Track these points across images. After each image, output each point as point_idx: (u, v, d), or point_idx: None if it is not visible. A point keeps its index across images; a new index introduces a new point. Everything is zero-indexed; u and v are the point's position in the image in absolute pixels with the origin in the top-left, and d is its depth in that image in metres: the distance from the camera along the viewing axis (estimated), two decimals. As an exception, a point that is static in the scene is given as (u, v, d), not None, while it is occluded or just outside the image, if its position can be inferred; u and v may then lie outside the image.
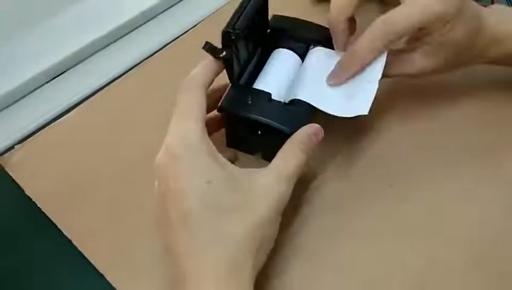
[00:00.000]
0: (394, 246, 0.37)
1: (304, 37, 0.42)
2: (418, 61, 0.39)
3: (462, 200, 0.40)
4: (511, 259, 0.36)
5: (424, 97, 0.46)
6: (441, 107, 0.45)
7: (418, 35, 0.39)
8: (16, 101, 0.49)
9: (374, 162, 0.42)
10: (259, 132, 0.37)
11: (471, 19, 0.38)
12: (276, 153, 0.34)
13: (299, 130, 0.35)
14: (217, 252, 0.29)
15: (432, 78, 0.41)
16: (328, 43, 0.40)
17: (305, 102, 0.37)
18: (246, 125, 0.37)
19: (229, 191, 0.31)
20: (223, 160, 0.33)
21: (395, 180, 0.41)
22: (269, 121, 0.36)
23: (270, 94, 0.37)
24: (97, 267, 0.37)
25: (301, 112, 0.37)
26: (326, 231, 0.38)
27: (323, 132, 0.36)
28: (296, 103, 0.37)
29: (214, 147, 0.32)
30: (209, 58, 0.36)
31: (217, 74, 0.36)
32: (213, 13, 0.55)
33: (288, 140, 0.35)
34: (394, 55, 0.39)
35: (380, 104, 0.38)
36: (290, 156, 0.34)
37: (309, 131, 0.35)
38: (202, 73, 0.35)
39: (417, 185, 0.40)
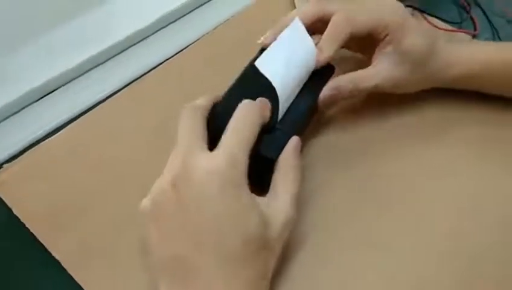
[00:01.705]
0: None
1: None
2: (384, 72, 0.42)
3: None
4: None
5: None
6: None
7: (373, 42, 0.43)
8: (4, 119, 0.49)
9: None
10: None
11: (424, 32, 0.43)
12: (264, 179, 0.35)
13: (286, 151, 0.36)
14: (245, 273, 0.31)
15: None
16: (318, 72, 0.42)
17: (289, 121, 0.38)
18: None
19: (260, 220, 0.32)
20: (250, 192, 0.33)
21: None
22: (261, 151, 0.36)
23: None
24: (85, 289, 0.37)
25: (287, 134, 0.37)
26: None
27: (300, 141, 0.37)
28: (282, 123, 0.38)
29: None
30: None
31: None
32: (207, 33, 0.55)
33: (281, 164, 0.36)
34: (363, 71, 0.43)
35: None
36: (287, 179, 0.35)
37: (295, 147, 0.37)
38: (263, 109, 0.36)
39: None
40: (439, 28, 0.54)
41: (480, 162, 0.44)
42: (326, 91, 0.42)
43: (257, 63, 0.37)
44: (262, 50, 0.41)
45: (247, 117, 0.34)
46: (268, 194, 0.35)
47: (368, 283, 0.37)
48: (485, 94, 0.46)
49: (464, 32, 0.55)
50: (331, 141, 0.45)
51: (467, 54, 0.44)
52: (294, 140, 0.37)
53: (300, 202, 0.36)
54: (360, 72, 0.43)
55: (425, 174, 0.43)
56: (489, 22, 0.57)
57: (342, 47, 0.42)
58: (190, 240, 0.31)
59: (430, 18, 0.54)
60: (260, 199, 0.33)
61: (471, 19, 0.57)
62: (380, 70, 0.42)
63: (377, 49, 0.43)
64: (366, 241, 0.39)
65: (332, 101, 0.43)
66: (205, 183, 0.31)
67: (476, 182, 0.42)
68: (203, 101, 0.36)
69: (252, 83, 0.38)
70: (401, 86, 0.44)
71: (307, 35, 0.41)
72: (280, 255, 0.34)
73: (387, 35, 0.42)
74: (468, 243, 0.39)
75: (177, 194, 0.31)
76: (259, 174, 0.35)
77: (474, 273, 0.38)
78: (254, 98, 0.37)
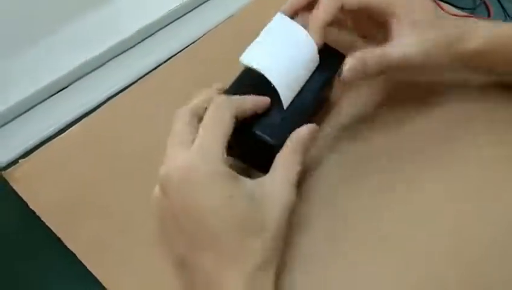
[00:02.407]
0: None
1: None
2: (399, 47, 0.40)
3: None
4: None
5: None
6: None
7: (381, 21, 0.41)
8: (18, 116, 0.49)
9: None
10: (249, 140, 0.38)
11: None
12: (266, 163, 0.35)
13: (295, 134, 0.36)
14: (242, 262, 0.31)
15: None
16: (328, 61, 0.41)
17: (296, 108, 0.38)
18: (237, 132, 0.36)
19: (248, 205, 0.32)
20: (239, 176, 0.33)
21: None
22: (260, 134, 0.37)
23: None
24: (101, 281, 0.37)
25: (292, 121, 0.37)
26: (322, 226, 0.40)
27: (318, 129, 0.38)
28: (289, 110, 0.38)
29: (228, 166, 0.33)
30: (259, 99, 0.37)
31: (253, 110, 0.37)
32: (207, 33, 0.55)
33: (284, 150, 0.36)
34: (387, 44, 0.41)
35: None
36: (289, 163, 0.35)
37: (305, 134, 0.37)
38: (242, 102, 0.36)
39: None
40: (452, 14, 0.53)
41: (487, 166, 0.43)
42: (351, 61, 0.39)
43: (241, 58, 0.38)
44: None
45: (215, 112, 0.34)
46: (267, 175, 0.35)
47: (373, 280, 0.37)
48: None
49: (477, 17, 0.54)
50: (342, 147, 0.45)
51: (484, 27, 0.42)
52: (312, 128, 0.37)
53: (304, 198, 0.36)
54: (385, 45, 0.41)
55: (431, 175, 0.42)
56: (503, 7, 0.56)
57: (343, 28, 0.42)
58: (187, 240, 0.32)
59: (443, 4, 0.53)
60: (251, 182, 0.33)
61: (485, 4, 0.56)
62: (402, 40, 0.40)
63: (390, 25, 0.41)
64: (373, 239, 0.39)
65: (356, 76, 0.40)
66: (185, 182, 0.32)
67: (481, 184, 0.42)
68: (198, 102, 0.37)
69: (250, 78, 0.39)
70: (429, 54, 0.41)
71: (293, 22, 0.41)
72: (282, 246, 0.34)
73: (393, 8, 0.41)
74: (473, 241, 0.38)
75: (167, 198, 0.32)
76: (260, 158, 0.36)
77: (480, 271, 0.37)
78: (252, 93, 0.37)
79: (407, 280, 0.37)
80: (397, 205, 0.41)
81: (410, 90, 0.47)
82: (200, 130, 0.34)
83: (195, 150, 0.32)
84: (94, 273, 0.38)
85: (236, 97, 0.36)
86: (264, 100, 0.38)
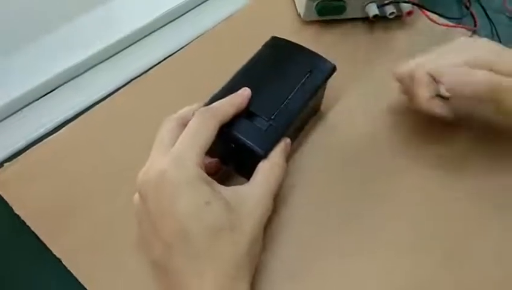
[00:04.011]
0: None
1: (300, 64, 0.42)
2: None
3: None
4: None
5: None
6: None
7: None
8: (4, 118, 0.49)
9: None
10: (234, 146, 0.38)
11: None
12: (248, 169, 0.36)
13: (275, 150, 0.37)
14: (217, 267, 0.31)
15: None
16: (318, 71, 0.42)
17: (283, 117, 0.39)
18: (224, 138, 0.37)
19: (224, 212, 0.32)
20: (215, 182, 0.34)
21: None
22: (246, 140, 0.37)
23: (252, 112, 0.38)
24: (86, 287, 0.37)
25: (278, 131, 0.38)
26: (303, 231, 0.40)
27: (290, 143, 0.39)
28: (276, 118, 0.38)
29: (204, 173, 0.34)
30: (236, 97, 0.38)
31: (237, 112, 0.37)
32: (201, 35, 0.55)
33: (267, 159, 0.37)
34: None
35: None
36: (271, 173, 0.36)
37: (284, 147, 0.38)
38: (224, 109, 0.37)
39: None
40: (439, 24, 0.54)
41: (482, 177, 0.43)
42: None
43: None
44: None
45: (197, 120, 0.35)
46: (247, 183, 0.36)
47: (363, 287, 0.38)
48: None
49: (464, 28, 0.55)
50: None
51: None
52: (286, 141, 0.38)
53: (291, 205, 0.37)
54: None
55: (418, 174, 0.43)
56: (489, 18, 0.57)
57: None
58: (163, 244, 0.32)
59: (430, 14, 0.54)
60: (227, 189, 0.34)
61: (471, 14, 0.57)
62: None
63: None
64: (363, 244, 0.39)
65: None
66: (160, 186, 0.32)
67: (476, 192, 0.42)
68: (184, 111, 0.38)
69: (237, 87, 0.39)
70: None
71: None
72: (259, 253, 0.35)
73: None
74: (466, 243, 0.39)
75: (144, 202, 0.33)
76: (245, 163, 0.37)
77: (473, 273, 0.38)
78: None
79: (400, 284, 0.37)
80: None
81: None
82: (180, 137, 0.34)
83: (170, 156, 0.33)
84: (79, 278, 0.38)
85: (218, 104, 0.37)
86: (242, 96, 0.38)
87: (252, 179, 0.36)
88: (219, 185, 0.34)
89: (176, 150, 0.33)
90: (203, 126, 0.35)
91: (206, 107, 0.37)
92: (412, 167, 0.44)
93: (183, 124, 0.36)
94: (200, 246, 0.31)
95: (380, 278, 0.38)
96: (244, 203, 0.34)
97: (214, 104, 0.37)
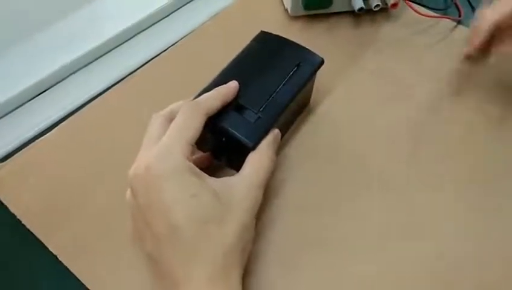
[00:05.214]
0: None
1: (288, 58, 0.43)
2: None
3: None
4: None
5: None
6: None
7: None
8: (-2, 119, 0.49)
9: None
10: (224, 139, 0.39)
11: None
12: (239, 161, 0.37)
13: (264, 141, 0.38)
14: (207, 258, 0.32)
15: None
16: (306, 64, 0.42)
17: (271, 109, 0.39)
18: (213, 130, 0.38)
19: (212, 202, 0.33)
20: (203, 174, 0.34)
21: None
22: (235, 132, 0.38)
23: (241, 105, 0.39)
24: (84, 283, 0.38)
25: (267, 123, 0.39)
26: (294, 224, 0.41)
27: (280, 134, 0.40)
28: (264, 110, 0.39)
29: (192, 164, 0.34)
30: (222, 89, 0.38)
31: (224, 104, 0.38)
32: (191, 32, 0.56)
33: (256, 150, 0.37)
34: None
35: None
36: (260, 164, 0.37)
37: (273, 139, 0.38)
38: (210, 101, 0.37)
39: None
40: (424, 15, 0.55)
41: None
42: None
43: None
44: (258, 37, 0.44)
45: (184, 114, 0.35)
46: (235, 175, 0.36)
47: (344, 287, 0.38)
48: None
49: (449, 18, 0.56)
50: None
51: None
52: (274, 132, 0.39)
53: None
54: None
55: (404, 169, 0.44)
56: (473, 8, 0.58)
57: None
58: (153, 236, 0.32)
59: (414, 5, 0.54)
60: (216, 181, 0.34)
61: (456, 5, 0.58)
62: None
63: None
64: (347, 244, 0.40)
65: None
66: (148, 179, 0.33)
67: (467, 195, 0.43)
68: (172, 107, 0.38)
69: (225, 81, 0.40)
70: None
71: None
72: (249, 245, 0.35)
73: None
74: (449, 245, 0.40)
75: (135, 196, 0.33)
76: (234, 156, 0.38)
77: (454, 275, 0.38)
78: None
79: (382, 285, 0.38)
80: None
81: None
82: (167, 131, 0.35)
83: (156, 149, 0.34)
84: (77, 275, 0.38)
85: (204, 97, 0.37)
86: (228, 88, 0.39)
87: (241, 170, 0.36)
88: (208, 176, 0.35)
89: (162, 144, 0.34)
90: (189, 119, 0.35)
91: (193, 100, 0.37)
92: (403, 156, 0.45)
93: (171, 119, 0.36)
94: (189, 237, 0.31)
95: (373, 264, 0.38)
96: (233, 194, 0.34)
97: (200, 97, 0.38)
